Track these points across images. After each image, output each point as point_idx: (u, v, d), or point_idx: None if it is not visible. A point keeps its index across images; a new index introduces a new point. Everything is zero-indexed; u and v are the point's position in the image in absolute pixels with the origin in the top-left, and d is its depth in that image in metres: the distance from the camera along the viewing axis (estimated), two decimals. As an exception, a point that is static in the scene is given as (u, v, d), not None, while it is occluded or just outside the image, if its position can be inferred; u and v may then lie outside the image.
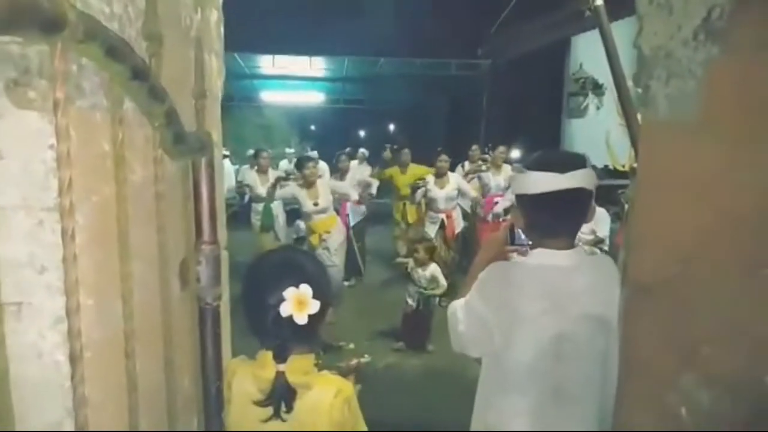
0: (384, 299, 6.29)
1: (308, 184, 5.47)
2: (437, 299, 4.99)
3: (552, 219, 1.48)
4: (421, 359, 4.86)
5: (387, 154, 8.25)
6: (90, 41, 0.63)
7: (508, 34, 11.50)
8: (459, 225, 6.69)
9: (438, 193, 6.48)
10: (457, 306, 1.56)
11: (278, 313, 1.20)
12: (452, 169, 7.23)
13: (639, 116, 2.04)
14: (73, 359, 0.66)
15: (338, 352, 4.81)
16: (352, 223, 6.86)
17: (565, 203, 1.44)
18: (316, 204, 5.44)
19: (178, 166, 1.08)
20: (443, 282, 4.93)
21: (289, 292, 1.20)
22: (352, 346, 5.14)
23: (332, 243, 5.46)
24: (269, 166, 6.89)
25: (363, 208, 7.20)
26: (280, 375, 1.22)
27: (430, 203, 6.56)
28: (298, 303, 1.19)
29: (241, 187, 6.92)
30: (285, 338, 1.24)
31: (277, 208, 6.71)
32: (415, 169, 7.58)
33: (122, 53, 0.71)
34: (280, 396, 1.21)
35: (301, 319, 1.20)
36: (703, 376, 1.28)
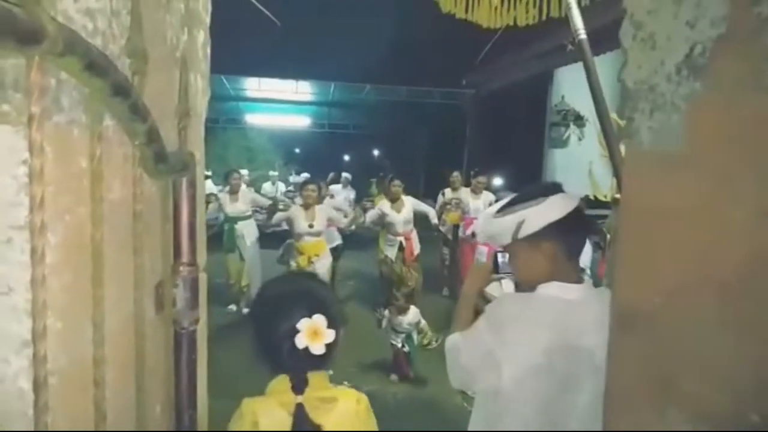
0: (364, 325, 6.22)
1: (306, 206, 5.67)
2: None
3: (578, 242, 1.49)
4: (401, 386, 4.81)
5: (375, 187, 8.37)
6: (69, 55, 0.61)
7: (492, 65, 11.70)
8: (417, 246, 6.87)
9: (395, 217, 6.65)
10: (458, 339, 1.52)
11: (293, 345, 1.18)
12: (434, 196, 7.39)
13: (622, 148, 2.07)
14: (38, 386, 0.63)
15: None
16: (331, 246, 6.88)
17: (585, 225, 1.49)
18: (311, 226, 5.62)
19: (158, 186, 1.06)
20: (424, 323, 4.91)
21: (303, 324, 1.18)
22: (330, 372, 5.05)
23: (320, 267, 5.58)
24: (240, 187, 6.95)
25: (336, 233, 7.24)
26: (299, 407, 1.19)
27: (389, 227, 6.71)
28: (313, 334, 1.18)
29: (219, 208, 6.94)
30: (302, 369, 1.22)
31: (243, 228, 6.75)
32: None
33: (103, 68, 0.69)
34: (302, 428, 1.19)
35: (318, 350, 1.19)
36: (687, 411, 1.27)
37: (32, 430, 0.66)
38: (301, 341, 1.18)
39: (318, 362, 1.26)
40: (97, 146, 0.80)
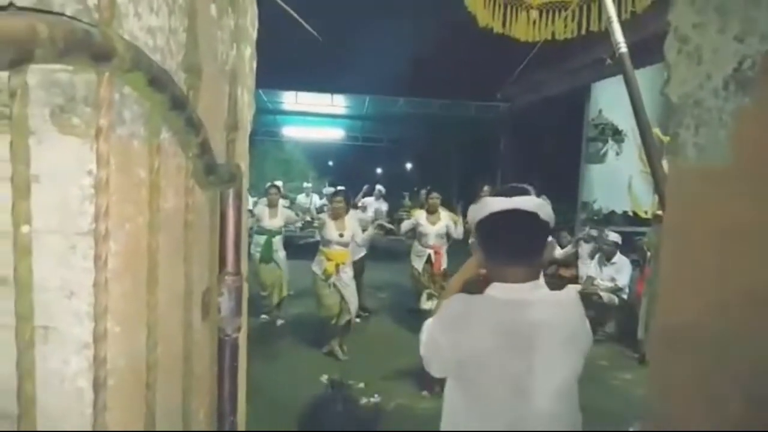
0: (395, 336, 6.22)
1: (335, 215, 5.85)
2: None
3: (503, 244, 1.50)
4: (432, 401, 4.76)
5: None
6: (135, 71, 0.65)
7: (528, 78, 11.64)
8: (445, 262, 6.78)
9: (429, 228, 6.64)
10: (424, 326, 1.58)
11: None
12: (465, 209, 7.38)
13: (664, 163, 2.04)
14: (97, 386, 0.66)
15: (348, 391, 4.73)
16: (355, 258, 6.94)
17: (515, 228, 1.47)
18: (341, 235, 5.77)
19: (207, 196, 1.09)
20: None
21: None
22: (362, 385, 5.06)
23: (346, 275, 5.77)
24: (278, 202, 7.08)
25: (363, 246, 7.27)
26: None
27: (421, 238, 6.69)
28: None
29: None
30: None
31: (278, 243, 6.92)
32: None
33: (163, 83, 0.73)
34: None
35: None
36: (731, 428, 1.23)
37: (89, 430, 0.69)
38: None
39: None
40: (155, 158, 0.83)
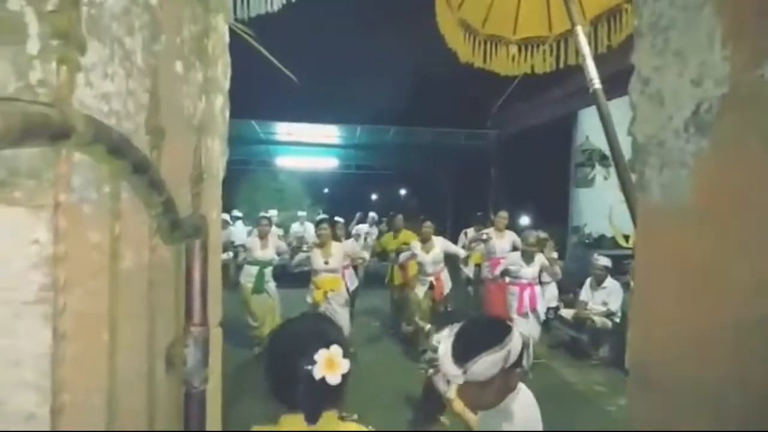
0: (385, 364, 6.16)
1: (321, 243, 5.89)
2: None
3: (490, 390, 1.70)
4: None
5: (396, 221, 8.54)
6: (96, 144, 0.66)
7: (516, 106, 11.80)
8: (447, 287, 6.92)
9: (425, 257, 6.74)
10: None
11: (310, 378, 1.21)
12: (455, 236, 7.49)
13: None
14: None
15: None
16: (351, 289, 7.01)
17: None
18: (326, 263, 5.81)
19: (170, 250, 1.10)
20: None
21: (321, 355, 1.22)
22: (355, 416, 4.99)
23: (335, 302, 5.76)
24: (268, 233, 7.14)
25: (354, 277, 7.40)
26: None
27: (419, 267, 6.79)
28: (329, 364, 1.22)
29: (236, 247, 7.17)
30: (318, 401, 1.24)
31: (269, 273, 6.97)
32: (405, 235, 8.16)
33: (124, 150, 0.75)
34: None
35: (335, 379, 1.22)
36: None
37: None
38: (318, 371, 1.20)
39: (334, 395, 1.27)
40: (115, 223, 0.84)
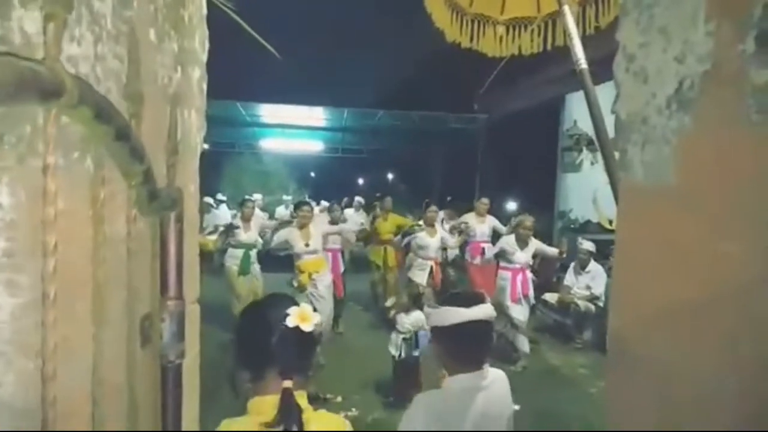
0: (370, 348, 6.19)
1: (301, 225, 5.85)
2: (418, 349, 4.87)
3: (464, 346, 1.75)
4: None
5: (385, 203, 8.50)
6: (82, 106, 0.64)
7: (503, 90, 11.76)
8: (442, 273, 6.95)
9: (429, 241, 6.71)
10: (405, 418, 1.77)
11: (284, 329, 1.24)
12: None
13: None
14: (45, 424, 0.65)
15: (325, 405, 4.68)
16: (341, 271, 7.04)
17: (471, 334, 1.71)
18: (307, 245, 5.77)
19: (146, 222, 1.08)
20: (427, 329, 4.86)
21: (293, 309, 1.27)
22: (339, 398, 5.02)
23: (321, 283, 5.72)
24: (252, 215, 7.15)
25: (341, 261, 7.43)
26: (287, 392, 1.21)
27: (420, 251, 6.73)
28: (301, 316, 1.26)
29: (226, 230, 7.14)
30: (291, 353, 1.26)
31: (254, 256, 7.00)
32: (394, 218, 8.18)
33: (109, 115, 0.72)
34: (289, 413, 1.20)
35: (308, 327, 1.25)
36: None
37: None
38: (291, 321, 1.24)
39: (306, 346, 1.31)
40: (100, 189, 0.82)
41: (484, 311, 1.75)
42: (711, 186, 1.25)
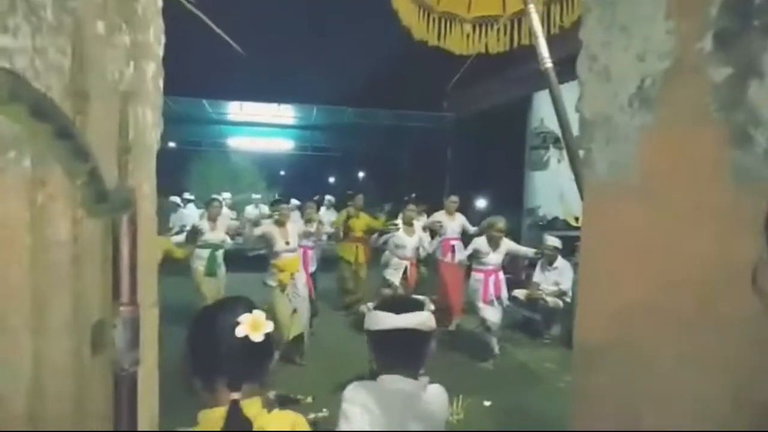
0: (341, 347, 6.15)
1: (280, 224, 5.85)
2: None
3: (392, 352, 1.73)
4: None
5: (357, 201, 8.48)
6: (15, 102, 0.59)
7: (472, 88, 11.85)
8: (417, 274, 6.92)
9: (407, 240, 6.66)
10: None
11: (232, 339, 1.18)
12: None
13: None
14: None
15: (296, 406, 4.63)
16: (311, 270, 6.96)
17: (401, 340, 1.69)
18: (287, 243, 5.78)
19: (98, 224, 1.03)
20: None
21: (244, 317, 1.20)
22: (310, 399, 4.97)
23: (299, 281, 5.76)
24: (218, 215, 7.03)
25: (314, 259, 7.43)
26: (234, 404, 1.16)
27: (397, 250, 6.68)
28: (252, 324, 1.20)
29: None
30: (240, 363, 1.21)
31: (220, 256, 6.90)
32: (365, 217, 8.18)
33: (48, 113, 0.68)
34: (236, 427, 1.15)
35: (258, 337, 1.20)
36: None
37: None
38: (241, 330, 1.18)
39: (256, 356, 1.25)
40: (38, 191, 0.77)
41: (417, 319, 1.71)
42: (673, 183, 1.26)
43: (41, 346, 0.81)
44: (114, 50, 1.09)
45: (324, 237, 7.30)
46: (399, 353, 1.72)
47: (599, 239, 1.49)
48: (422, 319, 1.72)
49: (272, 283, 5.75)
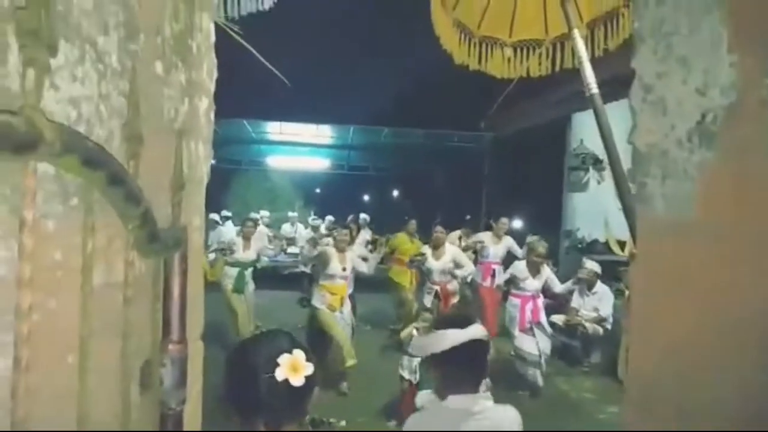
0: (378, 371, 6.08)
1: (339, 249, 5.80)
2: None
3: (462, 367, 1.72)
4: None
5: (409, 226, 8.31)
6: (68, 154, 0.60)
7: (510, 108, 11.76)
8: (455, 297, 6.64)
9: (434, 264, 6.47)
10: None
11: (272, 381, 1.17)
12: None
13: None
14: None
15: (329, 429, 4.60)
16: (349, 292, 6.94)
17: (469, 353, 1.70)
18: (344, 269, 5.74)
19: (147, 264, 1.03)
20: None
21: (283, 358, 1.18)
22: (343, 423, 4.92)
23: (345, 307, 5.79)
24: (252, 235, 7.09)
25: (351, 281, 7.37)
26: None
27: (427, 274, 6.55)
28: (292, 366, 1.18)
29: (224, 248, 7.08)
30: (279, 406, 1.20)
31: (249, 275, 6.94)
32: (416, 242, 7.93)
33: (100, 161, 0.69)
34: None
35: (298, 381, 1.18)
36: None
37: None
38: (280, 373, 1.17)
39: (295, 401, 1.22)
40: (88, 239, 0.78)
41: (482, 330, 1.75)
42: (734, 222, 1.20)
43: (91, 387, 0.81)
44: (170, 89, 1.11)
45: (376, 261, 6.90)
46: (467, 367, 1.73)
47: (654, 275, 1.43)
48: (484, 330, 1.77)
49: (320, 305, 5.71)
